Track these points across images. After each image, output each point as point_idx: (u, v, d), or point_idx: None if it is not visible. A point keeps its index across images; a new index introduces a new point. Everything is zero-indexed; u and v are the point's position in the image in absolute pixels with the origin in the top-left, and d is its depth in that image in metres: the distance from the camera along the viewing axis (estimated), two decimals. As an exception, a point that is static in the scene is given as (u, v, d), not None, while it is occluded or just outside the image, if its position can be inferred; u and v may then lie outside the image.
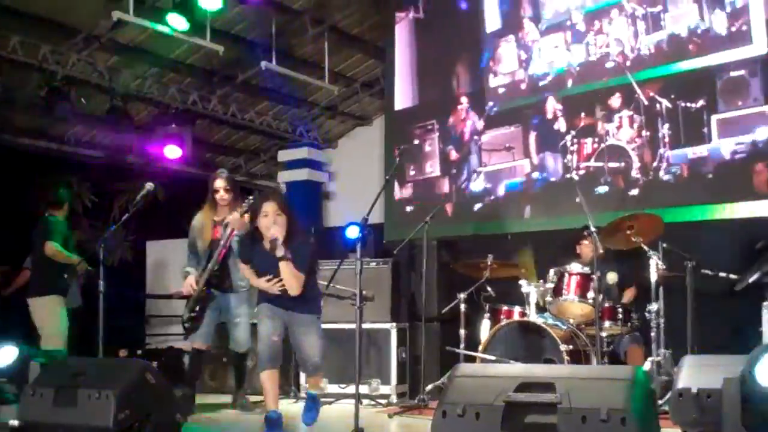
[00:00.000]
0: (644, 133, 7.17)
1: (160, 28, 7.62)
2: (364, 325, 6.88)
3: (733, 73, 6.79)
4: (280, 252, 5.14)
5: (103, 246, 6.03)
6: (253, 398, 6.82)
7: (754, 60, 6.70)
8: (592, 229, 5.76)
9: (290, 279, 5.21)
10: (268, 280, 5.28)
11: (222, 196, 6.54)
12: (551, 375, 3.26)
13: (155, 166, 9.50)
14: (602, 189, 7.38)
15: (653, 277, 5.85)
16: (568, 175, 7.50)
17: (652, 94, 7.18)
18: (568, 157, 7.59)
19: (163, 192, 9.34)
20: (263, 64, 8.58)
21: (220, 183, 6.57)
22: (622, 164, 7.26)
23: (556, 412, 3.11)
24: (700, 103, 6.92)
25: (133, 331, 10.43)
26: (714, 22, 6.91)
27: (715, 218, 6.63)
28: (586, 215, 5.93)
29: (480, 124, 8.20)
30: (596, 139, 7.46)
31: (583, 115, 7.55)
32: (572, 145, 7.59)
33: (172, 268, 10.61)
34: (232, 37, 8.65)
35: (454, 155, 8.35)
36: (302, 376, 7.35)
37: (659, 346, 5.96)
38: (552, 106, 7.75)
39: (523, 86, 8.00)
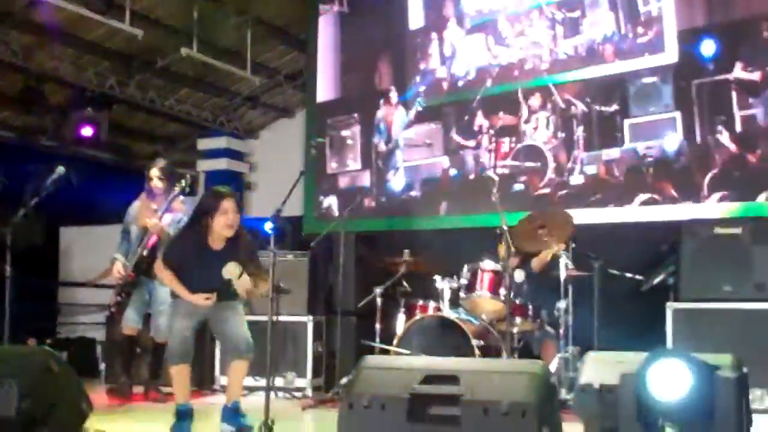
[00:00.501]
0: (560, 134, 7.36)
1: (77, 8, 7.46)
2: (281, 318, 6.91)
3: (645, 80, 7.02)
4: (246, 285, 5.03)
5: (11, 230, 5.87)
6: (166, 389, 6.75)
7: (665, 68, 6.94)
8: (504, 228, 5.84)
9: (263, 288, 5.10)
10: (207, 298, 4.99)
11: (155, 184, 6.54)
12: (456, 368, 3.32)
13: (70, 150, 9.29)
14: (518, 187, 7.55)
15: (562, 275, 5.99)
16: (485, 173, 7.58)
17: (568, 96, 7.36)
18: (486, 155, 7.71)
19: (76, 177, 9.13)
20: (183, 50, 8.47)
21: (154, 172, 6.60)
22: (538, 164, 7.42)
23: (459, 404, 3.16)
24: (614, 107, 7.14)
25: (44, 319, 10.18)
26: (629, 29, 7.12)
27: (625, 220, 6.84)
28: (500, 214, 6.00)
29: (407, 120, 8.28)
30: (514, 139, 7.61)
31: (501, 114, 7.69)
32: (490, 143, 7.72)
33: (86, 255, 10.40)
34: (152, 21, 8.51)
35: (382, 148, 8.39)
36: (217, 370, 7.31)
37: (567, 343, 6.12)
38: (471, 104, 7.85)
39: (444, 84, 8.09)
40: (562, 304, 6.00)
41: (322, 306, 7.74)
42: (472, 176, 7.77)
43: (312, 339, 7.27)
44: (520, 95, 7.61)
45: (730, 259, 5.81)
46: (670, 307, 5.85)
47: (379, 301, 6.74)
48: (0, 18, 7.80)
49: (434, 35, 8.17)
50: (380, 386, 3.35)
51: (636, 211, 6.89)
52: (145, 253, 6.40)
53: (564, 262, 5.98)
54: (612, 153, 7.11)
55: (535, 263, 6.54)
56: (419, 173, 8.07)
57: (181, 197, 6.57)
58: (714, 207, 6.55)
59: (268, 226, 8.91)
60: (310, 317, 7.29)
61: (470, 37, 7.95)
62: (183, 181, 6.32)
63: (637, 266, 6.30)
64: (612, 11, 7.21)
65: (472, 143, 7.83)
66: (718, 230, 5.90)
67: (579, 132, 7.29)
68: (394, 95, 8.37)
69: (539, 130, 7.46)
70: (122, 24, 7.82)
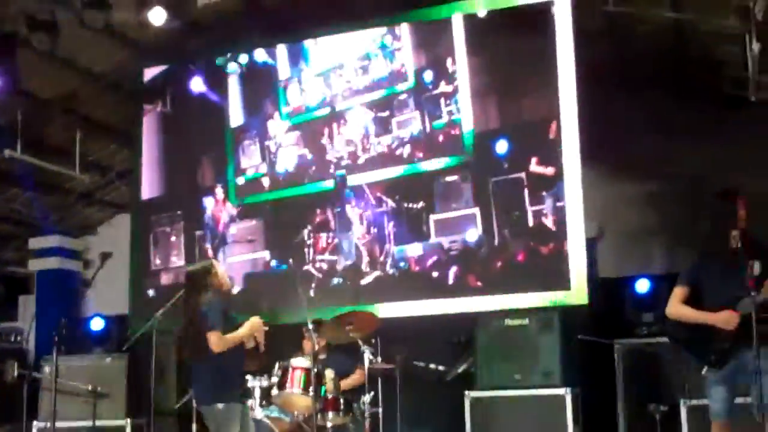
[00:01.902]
0: (372, 230, 7.72)
1: None
2: (99, 422, 6.88)
3: (448, 178, 7.51)
4: None
5: None
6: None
7: (465, 166, 7.46)
8: (310, 326, 6.05)
9: None
10: None
11: None
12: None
13: None
14: (336, 280, 7.84)
15: (366, 369, 6.22)
16: (305, 267, 7.89)
17: (379, 194, 7.77)
18: (305, 250, 7.98)
19: None
20: (6, 152, 8.45)
21: None
22: (353, 259, 7.73)
23: None
24: (421, 204, 7.57)
25: None
26: (433, 129, 7.62)
27: (432, 313, 7.17)
28: (305, 309, 6.20)
29: (232, 215, 8.47)
30: (330, 234, 7.93)
31: (318, 211, 8.02)
32: (309, 239, 8.01)
33: None
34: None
35: (207, 245, 8.51)
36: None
37: (380, 435, 6.34)
38: (290, 202, 8.17)
39: (265, 182, 8.37)
40: (366, 398, 6.21)
41: (144, 407, 7.65)
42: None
43: (131, 441, 7.21)
44: (333, 192, 7.96)
45: (520, 348, 6.20)
46: (468, 396, 6.17)
47: (194, 401, 6.76)
48: None
49: (254, 132, 8.46)
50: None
51: (442, 304, 7.24)
52: None
53: (367, 356, 6.21)
54: (419, 247, 7.52)
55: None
56: (243, 268, 8.24)
57: None
58: (510, 298, 6.96)
59: (97, 325, 8.96)
60: (128, 420, 7.24)
61: (289, 135, 8.29)
62: None
63: (442, 357, 6.60)
64: (417, 109, 7.71)
65: (292, 239, 8.08)
66: (509, 321, 6.29)
67: (390, 227, 7.70)
68: (219, 191, 8.57)
69: (354, 226, 7.81)
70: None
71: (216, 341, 5.36)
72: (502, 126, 7.43)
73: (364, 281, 7.71)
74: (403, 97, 7.84)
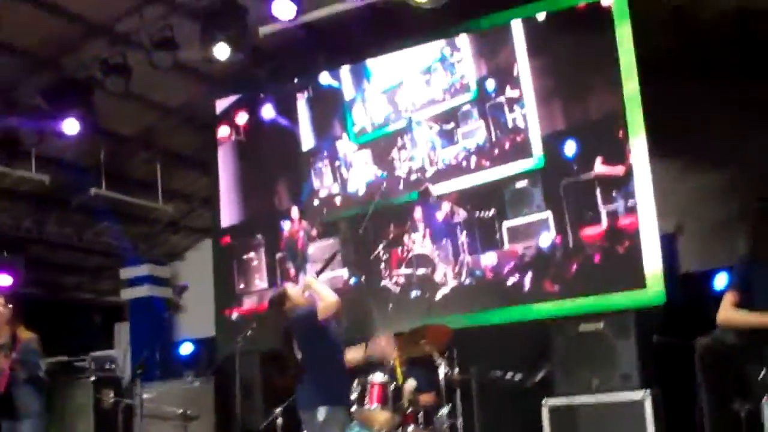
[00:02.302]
0: (446, 241, 7.77)
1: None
2: (190, 446, 7.13)
3: (518, 184, 7.48)
4: None
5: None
6: None
7: (534, 171, 7.41)
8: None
9: None
10: None
11: (1, 312, 6.53)
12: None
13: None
14: (414, 294, 7.90)
15: (442, 382, 6.27)
16: (382, 283, 8.00)
17: (450, 204, 7.80)
18: (381, 266, 8.09)
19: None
20: (92, 190, 8.86)
21: None
22: (429, 270, 7.79)
23: None
24: (492, 211, 7.56)
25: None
26: (499, 137, 7.61)
27: (506, 322, 7.16)
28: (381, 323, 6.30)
29: (310, 234, 8.64)
30: (405, 248, 8.00)
31: (392, 227, 8.10)
32: (384, 254, 8.10)
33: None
34: (61, 164, 8.89)
35: (290, 266, 8.68)
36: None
37: (457, 446, 6.39)
38: (364, 219, 8.24)
39: (338, 201, 8.52)
40: (444, 410, 6.25)
41: (233, 428, 7.87)
42: (370, 287, 8.11)
43: (222, 464, 7.44)
44: (407, 206, 8.04)
45: (596, 353, 6.14)
46: (545, 403, 6.14)
47: (279, 420, 6.95)
48: None
49: (325, 153, 8.64)
50: None
51: (520, 311, 7.25)
52: None
53: (442, 369, 6.26)
54: (493, 256, 7.51)
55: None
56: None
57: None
58: (587, 301, 6.90)
59: (186, 349, 9.28)
60: (218, 442, 7.49)
61: (358, 154, 8.43)
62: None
63: (518, 366, 6.59)
64: (482, 119, 7.72)
65: (367, 255, 8.20)
66: (583, 327, 6.24)
67: (463, 237, 7.72)
68: (295, 211, 8.76)
69: (427, 239, 7.88)
70: (28, 172, 8.20)
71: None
72: (569, 127, 7.34)
73: (440, 293, 7.76)
74: (466, 107, 7.87)
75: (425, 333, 6.46)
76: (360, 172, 8.41)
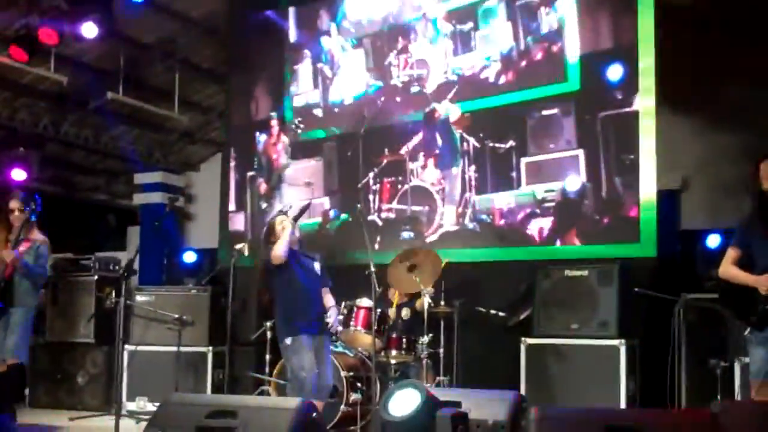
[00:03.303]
0: (449, 174, 7.05)
1: (1, 59, 7.96)
2: (183, 348, 7.39)
3: (545, 112, 6.42)
4: None
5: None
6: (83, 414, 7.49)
7: (567, 97, 6.35)
8: (372, 269, 6.25)
9: None
10: None
11: (16, 216, 6.83)
12: (236, 404, 3.78)
13: (12, 184, 9.73)
14: (406, 234, 7.32)
15: (425, 312, 6.42)
16: (370, 217, 7.30)
17: (459, 131, 6.91)
18: (370, 197, 7.37)
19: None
20: (109, 94, 8.96)
21: (15, 204, 6.85)
22: (426, 208, 7.18)
23: (234, 436, 3.60)
24: (510, 143, 6.60)
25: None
26: (528, 46, 6.50)
27: (494, 260, 7.07)
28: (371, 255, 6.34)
29: (288, 151, 7.86)
30: (400, 179, 7.21)
31: (386, 151, 7.25)
32: (374, 184, 7.36)
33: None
34: (81, 65, 8.99)
35: (263, 188, 8.04)
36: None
37: (438, 374, 6.58)
38: (351, 138, 7.40)
39: (318, 113, 7.64)
40: (425, 339, 6.42)
41: (224, 337, 8.06)
42: (352, 220, 7.41)
43: (211, 368, 7.69)
44: (406, 128, 7.10)
45: (579, 299, 6.24)
46: (524, 342, 6.29)
47: (269, 333, 7.18)
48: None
49: (307, 53, 7.62)
50: (173, 419, 3.81)
51: (506, 252, 6.95)
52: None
53: (426, 300, 6.40)
54: (507, 197, 6.65)
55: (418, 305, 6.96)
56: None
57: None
58: (577, 250, 6.71)
59: (189, 258, 9.50)
60: (210, 348, 7.71)
61: (347, 55, 7.33)
62: (32, 204, 6.64)
63: (502, 304, 6.73)
64: (510, 21, 6.45)
65: (355, 183, 7.47)
66: (568, 272, 6.33)
67: (471, 172, 6.83)
68: (275, 123, 7.91)
69: (428, 170, 7.15)
70: (47, 72, 8.31)
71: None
72: (617, 47, 6.23)
73: (436, 236, 7.07)
74: (490, 4, 6.70)
75: (414, 257, 6.54)
76: (348, 78, 7.27)
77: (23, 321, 6.64)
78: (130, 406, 7.63)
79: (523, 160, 6.67)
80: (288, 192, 7.98)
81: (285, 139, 7.95)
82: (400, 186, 7.39)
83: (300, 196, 7.81)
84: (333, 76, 7.56)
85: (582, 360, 6.11)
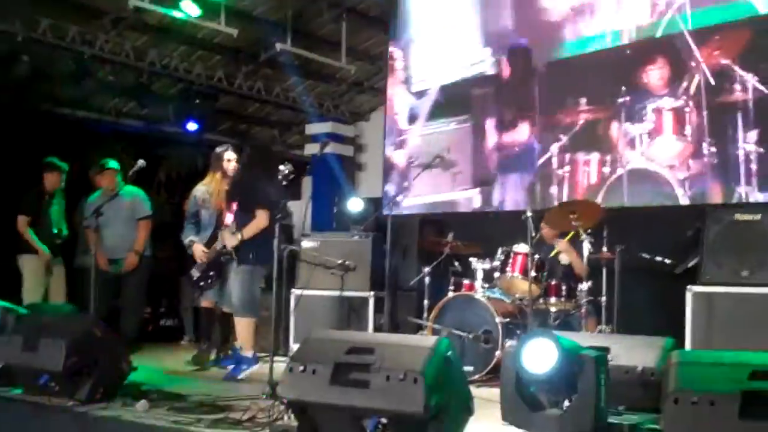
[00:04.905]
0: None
1: (175, 14, 8.33)
2: (346, 293, 7.57)
3: None
4: None
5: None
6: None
7: None
8: (528, 214, 6.13)
9: None
10: None
11: (233, 166, 7.12)
12: (375, 341, 3.81)
13: (191, 136, 10.25)
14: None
15: (585, 259, 6.22)
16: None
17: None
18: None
19: (202, 160, 10.06)
20: (278, 45, 9.21)
21: (230, 154, 7.14)
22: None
23: (370, 371, 3.65)
24: None
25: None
26: None
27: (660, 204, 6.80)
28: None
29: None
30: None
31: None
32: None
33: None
34: (253, 18, 9.28)
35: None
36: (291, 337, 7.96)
37: (599, 323, 6.39)
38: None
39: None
40: (584, 286, 6.24)
41: (385, 283, 8.14)
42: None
43: (373, 312, 7.82)
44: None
45: (750, 245, 5.83)
46: (690, 290, 5.95)
47: (427, 279, 7.22)
48: (113, 21, 8.76)
49: None
50: (315, 354, 3.89)
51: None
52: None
53: (586, 246, 6.20)
54: None
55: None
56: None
57: None
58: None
59: (353, 205, 9.70)
60: (371, 293, 7.82)
61: None
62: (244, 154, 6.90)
63: (667, 250, 6.41)
64: None
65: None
66: (739, 216, 5.92)
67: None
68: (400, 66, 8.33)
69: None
70: (217, 25, 8.64)
71: None
72: None
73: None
74: None
75: (575, 208, 6.37)
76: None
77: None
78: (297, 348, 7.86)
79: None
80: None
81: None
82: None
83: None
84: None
85: (752, 309, 5.70)
